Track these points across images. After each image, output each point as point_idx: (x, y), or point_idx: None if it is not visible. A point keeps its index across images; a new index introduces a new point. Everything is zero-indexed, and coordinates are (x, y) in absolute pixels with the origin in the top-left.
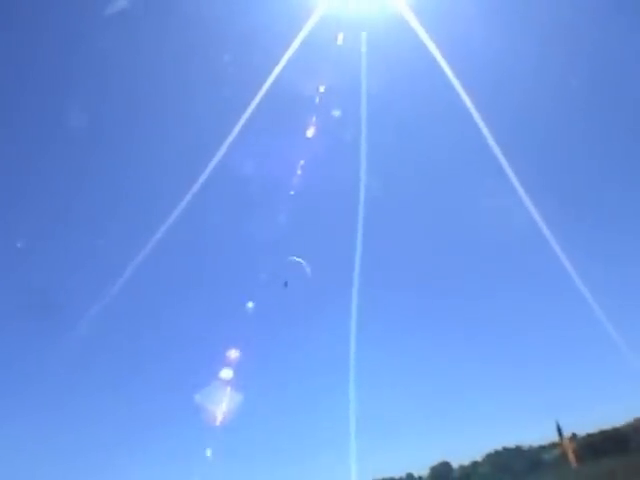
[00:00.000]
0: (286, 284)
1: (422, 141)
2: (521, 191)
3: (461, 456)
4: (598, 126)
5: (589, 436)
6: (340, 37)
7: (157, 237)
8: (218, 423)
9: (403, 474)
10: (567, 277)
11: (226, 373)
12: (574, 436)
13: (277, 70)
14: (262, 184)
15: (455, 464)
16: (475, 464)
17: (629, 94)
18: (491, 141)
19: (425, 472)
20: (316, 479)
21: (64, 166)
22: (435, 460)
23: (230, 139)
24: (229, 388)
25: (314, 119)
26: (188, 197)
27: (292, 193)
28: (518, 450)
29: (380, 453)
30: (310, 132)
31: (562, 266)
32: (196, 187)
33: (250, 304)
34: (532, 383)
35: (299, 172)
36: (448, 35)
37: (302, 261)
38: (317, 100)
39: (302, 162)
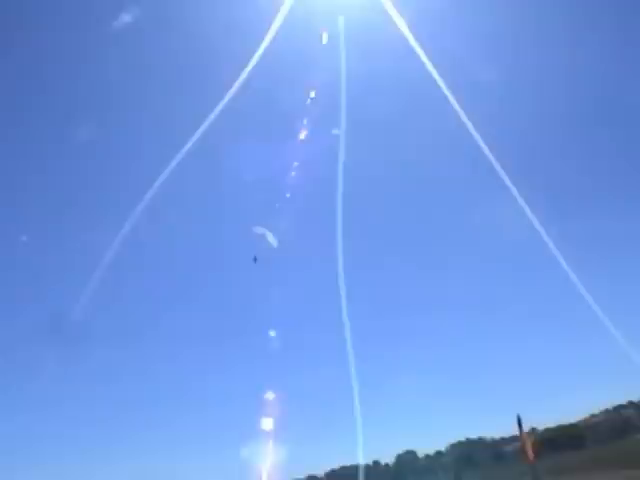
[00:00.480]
0: (255, 259)
1: (401, 132)
2: (506, 181)
3: (426, 446)
4: (578, 125)
5: (548, 430)
6: (319, 27)
7: None
8: None
9: (370, 461)
10: (539, 275)
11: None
12: (534, 430)
13: (253, 61)
14: (238, 180)
15: (420, 453)
16: (439, 454)
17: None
18: (471, 129)
19: (391, 460)
20: None
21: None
22: (401, 449)
23: (206, 125)
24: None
25: (293, 111)
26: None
27: (288, 195)
28: (481, 441)
29: (346, 441)
30: (290, 124)
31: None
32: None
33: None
34: (498, 378)
35: (275, 166)
36: (427, 24)
37: (267, 233)
38: (295, 91)
39: (279, 156)
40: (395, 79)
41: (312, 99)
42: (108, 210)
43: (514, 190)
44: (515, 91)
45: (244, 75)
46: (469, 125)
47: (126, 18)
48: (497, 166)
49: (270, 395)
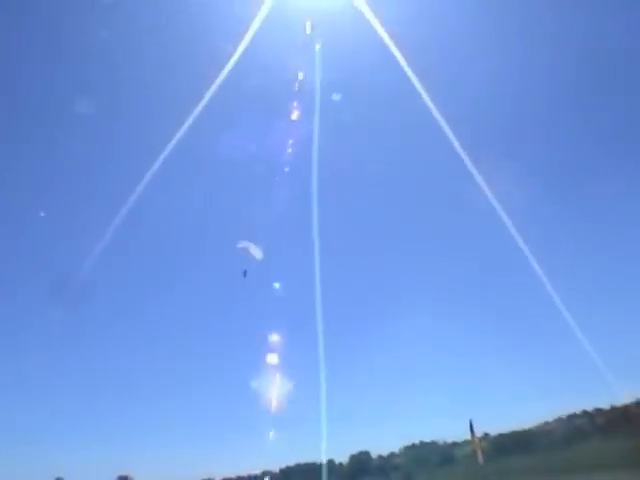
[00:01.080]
0: (245, 273)
1: (377, 133)
2: (483, 185)
3: (380, 447)
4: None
5: (500, 436)
6: (295, 26)
7: None
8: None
9: (324, 460)
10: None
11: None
12: (486, 435)
13: (232, 61)
14: (220, 172)
15: (374, 454)
16: (393, 455)
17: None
18: (445, 127)
19: (345, 459)
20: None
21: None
22: (355, 449)
23: (181, 133)
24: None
25: (271, 110)
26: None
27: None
28: (433, 445)
29: (302, 439)
30: (267, 122)
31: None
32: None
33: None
34: (454, 383)
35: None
36: (402, 25)
37: (251, 246)
38: (273, 91)
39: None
40: (370, 78)
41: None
42: (104, 194)
43: (488, 190)
44: (493, 89)
45: (216, 82)
46: (443, 123)
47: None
48: (469, 163)
49: None
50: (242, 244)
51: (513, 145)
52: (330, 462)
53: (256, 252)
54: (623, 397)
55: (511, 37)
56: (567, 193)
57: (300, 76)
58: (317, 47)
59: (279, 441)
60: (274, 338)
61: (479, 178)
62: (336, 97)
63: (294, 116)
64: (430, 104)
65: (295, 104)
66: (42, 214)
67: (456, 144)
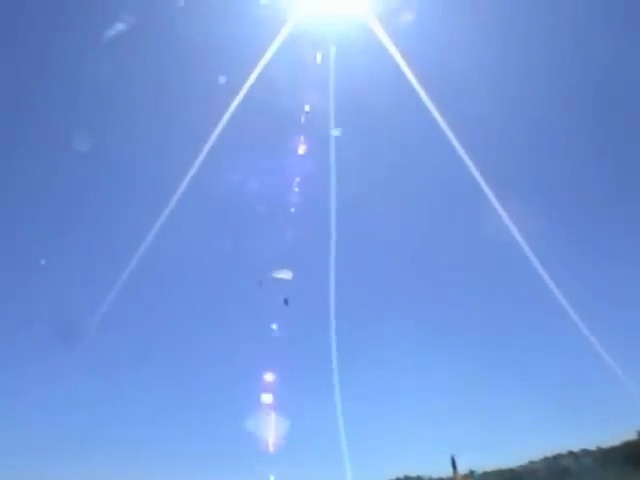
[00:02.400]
0: (286, 302)
1: (391, 155)
2: (495, 204)
3: None
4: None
5: (485, 474)
6: (310, 53)
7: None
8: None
9: None
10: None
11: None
12: (472, 473)
13: (247, 85)
14: (238, 199)
15: None
16: None
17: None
18: (463, 155)
19: None
20: None
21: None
22: None
23: (201, 157)
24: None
25: (285, 134)
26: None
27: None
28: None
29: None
30: (282, 147)
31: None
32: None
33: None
34: (442, 418)
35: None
36: (419, 51)
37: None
38: (287, 115)
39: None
40: (385, 107)
41: (304, 118)
42: (120, 224)
43: (498, 205)
44: (513, 114)
45: (232, 107)
46: (458, 147)
47: (125, 27)
48: (480, 180)
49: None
50: (271, 274)
51: (532, 168)
52: None
53: (285, 274)
54: (610, 437)
55: (533, 63)
56: (587, 214)
57: (307, 108)
58: (331, 77)
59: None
60: (269, 377)
61: (497, 205)
62: (346, 133)
63: (303, 150)
64: (449, 133)
65: (305, 138)
66: (43, 262)
67: (477, 176)
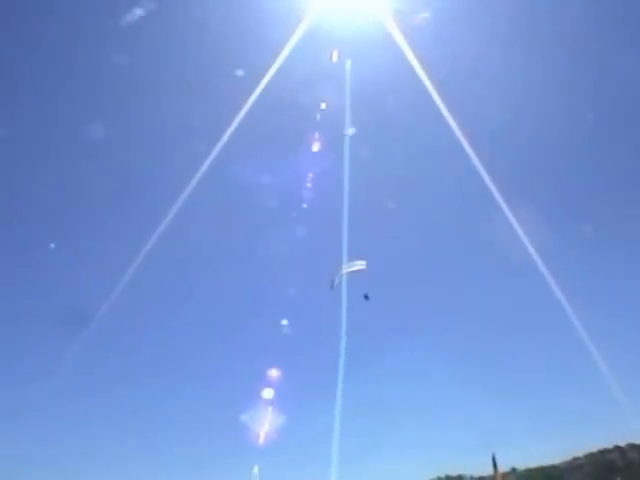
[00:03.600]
0: (367, 297)
1: (405, 157)
2: (501, 203)
3: None
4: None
5: (528, 471)
6: (326, 51)
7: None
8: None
9: None
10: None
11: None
12: (514, 470)
13: (264, 82)
14: (250, 193)
15: None
16: None
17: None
18: (476, 162)
19: None
20: None
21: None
22: None
23: (215, 154)
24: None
25: (300, 131)
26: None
27: (305, 206)
28: (459, 479)
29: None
30: (296, 143)
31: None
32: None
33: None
34: (484, 415)
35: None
36: (434, 52)
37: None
38: (302, 111)
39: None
40: (399, 107)
41: (320, 116)
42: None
43: (508, 212)
44: (527, 119)
45: (248, 104)
46: (472, 155)
47: (142, 27)
48: (491, 186)
49: None
50: (343, 266)
51: (544, 176)
52: None
53: (360, 265)
54: None
55: (546, 69)
56: (594, 206)
57: (323, 106)
58: (347, 76)
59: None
60: (273, 373)
61: (509, 213)
62: (361, 133)
63: (317, 147)
64: (461, 137)
65: (319, 134)
66: (52, 245)
67: (486, 178)
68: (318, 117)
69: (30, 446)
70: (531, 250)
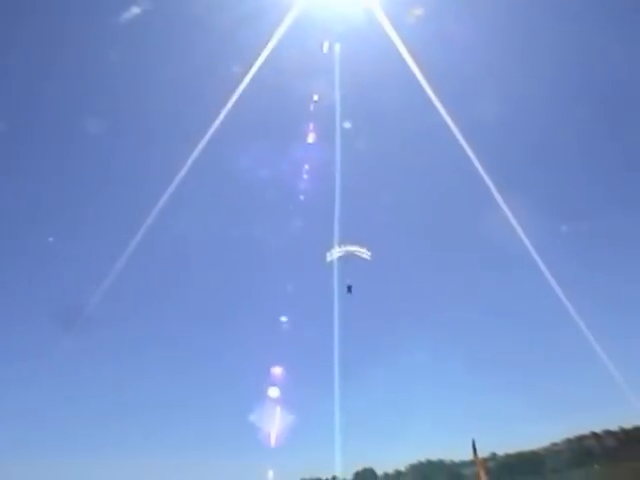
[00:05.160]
0: (350, 289)
1: (395, 146)
2: (495, 195)
3: (386, 464)
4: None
5: (508, 456)
6: (315, 40)
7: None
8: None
9: (329, 476)
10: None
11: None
12: (494, 455)
13: (253, 70)
14: (240, 183)
15: (379, 471)
16: (399, 473)
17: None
18: (467, 150)
19: (349, 476)
20: None
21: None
22: (360, 466)
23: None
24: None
25: (292, 122)
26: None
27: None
28: (440, 463)
29: (309, 454)
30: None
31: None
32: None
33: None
34: (463, 401)
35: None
36: (423, 43)
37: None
38: (292, 102)
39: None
40: (390, 98)
41: (313, 106)
42: (121, 208)
43: (504, 205)
44: (519, 112)
45: (237, 92)
46: (466, 147)
47: (133, 16)
48: (486, 178)
49: None
50: (341, 249)
51: (538, 171)
52: (334, 479)
53: (361, 251)
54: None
55: (538, 61)
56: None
57: (316, 98)
58: (336, 64)
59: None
60: (277, 371)
61: (504, 206)
62: (352, 123)
63: (311, 137)
64: (453, 128)
65: (313, 126)
66: (50, 239)
67: (480, 170)
68: (312, 108)
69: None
70: (525, 240)
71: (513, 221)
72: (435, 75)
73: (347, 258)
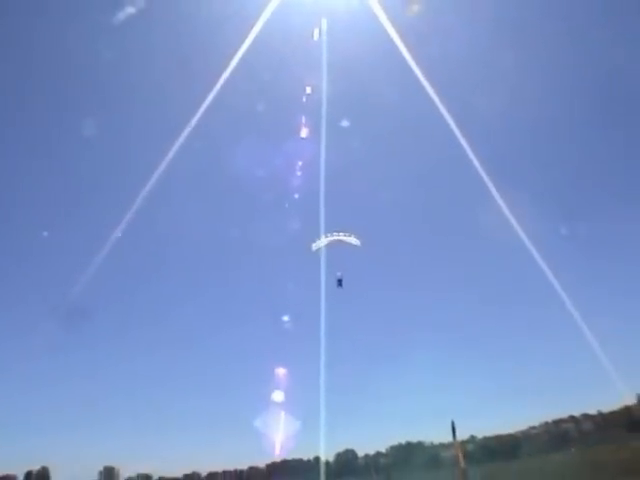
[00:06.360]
0: (340, 282)
1: (383, 129)
2: (492, 189)
3: (366, 446)
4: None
5: (486, 439)
6: (302, 24)
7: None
8: None
9: (311, 457)
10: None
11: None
12: (473, 438)
13: (237, 57)
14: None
15: (360, 452)
16: (379, 454)
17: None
18: (453, 127)
19: (331, 457)
20: None
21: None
22: (341, 447)
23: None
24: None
25: (276, 110)
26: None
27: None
28: (419, 445)
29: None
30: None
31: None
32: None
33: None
34: (444, 385)
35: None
36: (411, 24)
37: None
38: (279, 90)
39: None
40: (382, 88)
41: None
42: (109, 201)
43: (500, 199)
44: (514, 104)
45: (221, 80)
46: (455, 129)
47: (120, 15)
48: (481, 171)
49: None
50: (334, 235)
51: (534, 166)
52: (316, 459)
53: (353, 240)
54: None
55: (531, 54)
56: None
57: (308, 90)
58: (324, 54)
59: (265, 437)
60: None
61: (500, 200)
62: (342, 112)
63: (302, 133)
64: (449, 119)
65: (303, 119)
66: (45, 234)
67: (475, 162)
68: (304, 99)
69: None
70: (518, 228)
71: (500, 201)
72: (435, 71)
73: (335, 246)
